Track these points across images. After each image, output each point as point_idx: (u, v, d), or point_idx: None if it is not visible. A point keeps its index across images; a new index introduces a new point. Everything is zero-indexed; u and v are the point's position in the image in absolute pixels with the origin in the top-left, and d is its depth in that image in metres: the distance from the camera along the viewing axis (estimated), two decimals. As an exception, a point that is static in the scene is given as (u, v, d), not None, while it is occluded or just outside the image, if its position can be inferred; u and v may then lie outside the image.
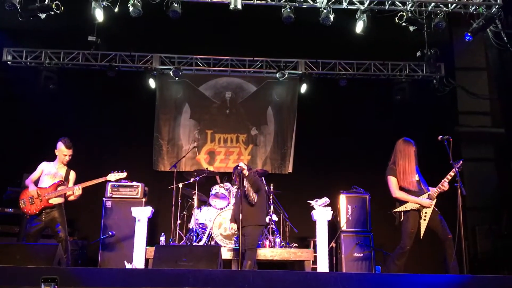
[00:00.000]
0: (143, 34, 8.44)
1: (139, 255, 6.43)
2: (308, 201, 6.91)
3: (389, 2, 7.10)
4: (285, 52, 8.86)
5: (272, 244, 6.77)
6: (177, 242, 7.05)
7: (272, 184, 7.41)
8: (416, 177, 5.14)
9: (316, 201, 6.83)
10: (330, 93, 9.02)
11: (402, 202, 5.10)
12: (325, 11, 6.96)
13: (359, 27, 7.12)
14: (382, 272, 6.71)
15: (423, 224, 5.02)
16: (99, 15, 6.95)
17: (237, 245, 6.24)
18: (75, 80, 8.71)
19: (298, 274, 3.96)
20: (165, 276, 3.49)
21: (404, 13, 6.92)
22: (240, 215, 5.60)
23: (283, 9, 6.96)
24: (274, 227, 7.06)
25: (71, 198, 5.57)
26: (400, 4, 7.12)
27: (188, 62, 8.98)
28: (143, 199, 7.20)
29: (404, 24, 6.95)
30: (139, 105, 8.95)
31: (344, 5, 7.08)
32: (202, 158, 8.93)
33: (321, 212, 6.70)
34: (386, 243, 7.03)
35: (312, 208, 6.81)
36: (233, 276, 3.53)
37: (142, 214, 6.60)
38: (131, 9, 6.72)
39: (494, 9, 7.01)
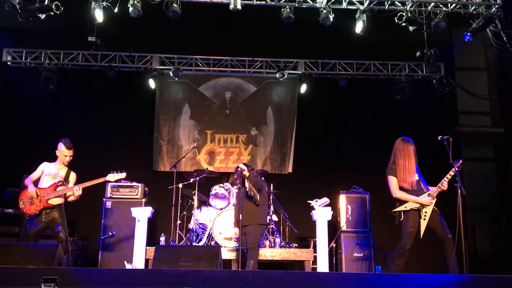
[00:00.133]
0: (143, 35, 8.45)
1: (139, 256, 6.42)
2: (308, 201, 6.90)
3: (389, 2, 7.11)
4: (285, 52, 8.86)
5: (272, 244, 6.77)
6: (177, 242, 7.05)
7: (272, 184, 7.41)
8: (416, 177, 5.14)
9: (316, 201, 6.82)
10: (330, 93, 9.02)
11: (402, 202, 5.09)
12: (324, 11, 6.97)
13: (359, 27, 7.13)
14: (382, 272, 6.71)
15: (423, 224, 5.02)
16: (99, 16, 6.96)
17: (237, 245, 6.24)
18: (75, 81, 8.71)
19: (298, 274, 3.96)
20: (165, 277, 3.49)
21: (404, 13, 6.93)
22: (240, 215, 5.61)
23: (282, 9, 6.97)
24: (274, 227, 7.05)
25: (71, 198, 5.57)
26: (399, 4, 7.12)
27: (188, 62, 8.98)
28: (143, 200, 7.20)
29: (403, 24, 6.95)
30: (139, 105, 8.95)
31: (344, 5, 7.09)
32: (202, 158, 8.93)
33: (321, 212, 6.69)
34: (386, 243, 7.03)
35: (312, 208, 6.81)
36: (233, 276, 3.53)
37: (142, 214, 6.60)
38: (130, 9, 6.72)
39: (494, 9, 7.01)
